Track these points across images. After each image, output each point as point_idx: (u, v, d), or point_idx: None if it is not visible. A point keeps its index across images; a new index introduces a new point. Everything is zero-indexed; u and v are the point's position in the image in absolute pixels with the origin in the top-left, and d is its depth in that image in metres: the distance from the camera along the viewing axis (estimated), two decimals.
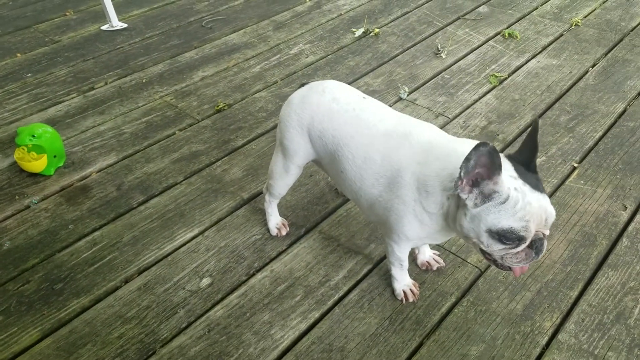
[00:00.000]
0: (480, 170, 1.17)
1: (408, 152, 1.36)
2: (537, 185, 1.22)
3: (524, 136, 2.25)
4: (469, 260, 1.73)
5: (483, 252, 1.29)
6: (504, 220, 1.19)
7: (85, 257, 1.77)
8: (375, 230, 1.84)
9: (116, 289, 1.67)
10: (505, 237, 1.20)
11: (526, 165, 1.24)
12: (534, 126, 1.25)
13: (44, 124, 2.15)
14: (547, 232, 1.25)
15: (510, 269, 1.30)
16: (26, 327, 1.57)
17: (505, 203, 1.18)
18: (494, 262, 1.30)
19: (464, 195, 1.20)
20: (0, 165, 2.16)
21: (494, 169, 1.16)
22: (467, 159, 1.15)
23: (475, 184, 1.19)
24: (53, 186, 2.06)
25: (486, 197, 1.19)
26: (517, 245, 1.23)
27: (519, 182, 1.20)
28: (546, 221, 1.22)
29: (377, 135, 1.42)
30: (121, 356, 1.48)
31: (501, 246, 1.23)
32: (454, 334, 1.52)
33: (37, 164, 2.03)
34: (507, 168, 1.22)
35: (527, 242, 1.22)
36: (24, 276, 1.72)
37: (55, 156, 2.08)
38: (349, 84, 2.62)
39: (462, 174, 1.17)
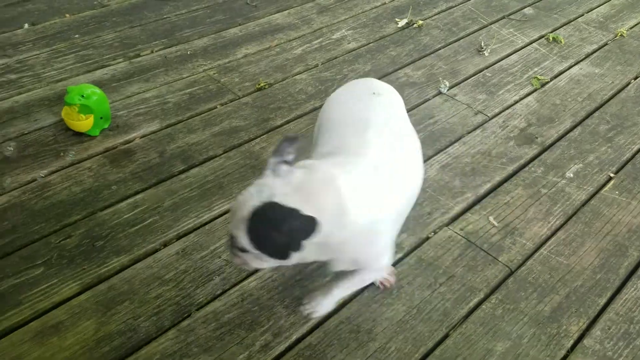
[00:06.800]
0: None
1: None
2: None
3: (562, 141, 2.26)
4: (499, 259, 1.75)
5: None
6: None
7: (126, 217, 1.82)
8: (406, 221, 1.86)
9: (155, 251, 1.72)
10: None
11: None
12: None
13: (92, 85, 2.20)
14: (237, 234, 1.19)
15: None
16: (66, 279, 1.63)
17: None
18: None
19: None
20: (47, 121, 2.22)
21: None
22: None
23: None
24: (97, 147, 2.11)
25: None
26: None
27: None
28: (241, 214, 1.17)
29: None
30: (157, 315, 1.54)
31: None
32: (481, 328, 1.55)
33: (84, 123, 2.08)
34: None
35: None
36: (66, 231, 1.77)
37: (101, 118, 2.13)
38: (389, 74, 2.65)
39: None
